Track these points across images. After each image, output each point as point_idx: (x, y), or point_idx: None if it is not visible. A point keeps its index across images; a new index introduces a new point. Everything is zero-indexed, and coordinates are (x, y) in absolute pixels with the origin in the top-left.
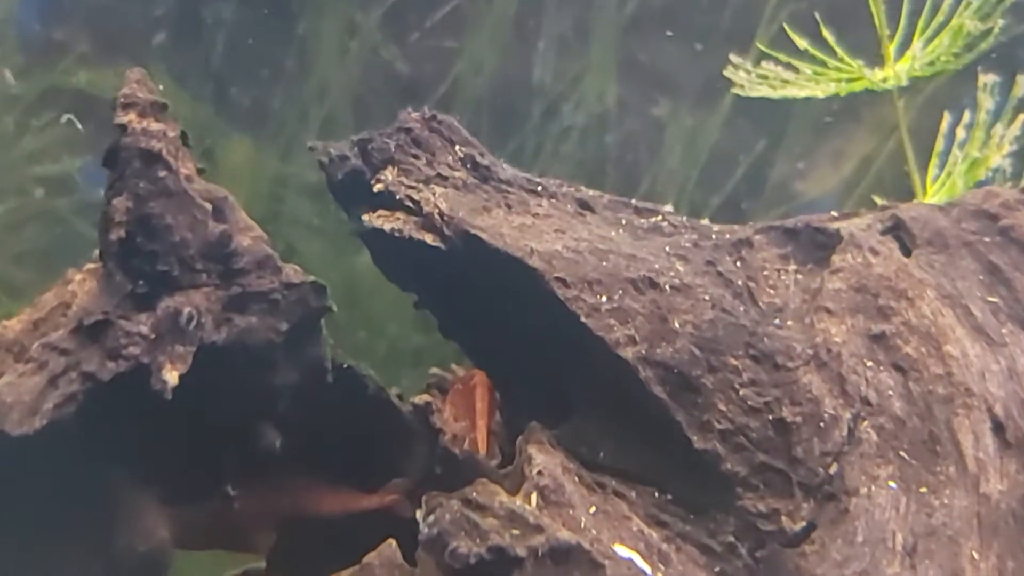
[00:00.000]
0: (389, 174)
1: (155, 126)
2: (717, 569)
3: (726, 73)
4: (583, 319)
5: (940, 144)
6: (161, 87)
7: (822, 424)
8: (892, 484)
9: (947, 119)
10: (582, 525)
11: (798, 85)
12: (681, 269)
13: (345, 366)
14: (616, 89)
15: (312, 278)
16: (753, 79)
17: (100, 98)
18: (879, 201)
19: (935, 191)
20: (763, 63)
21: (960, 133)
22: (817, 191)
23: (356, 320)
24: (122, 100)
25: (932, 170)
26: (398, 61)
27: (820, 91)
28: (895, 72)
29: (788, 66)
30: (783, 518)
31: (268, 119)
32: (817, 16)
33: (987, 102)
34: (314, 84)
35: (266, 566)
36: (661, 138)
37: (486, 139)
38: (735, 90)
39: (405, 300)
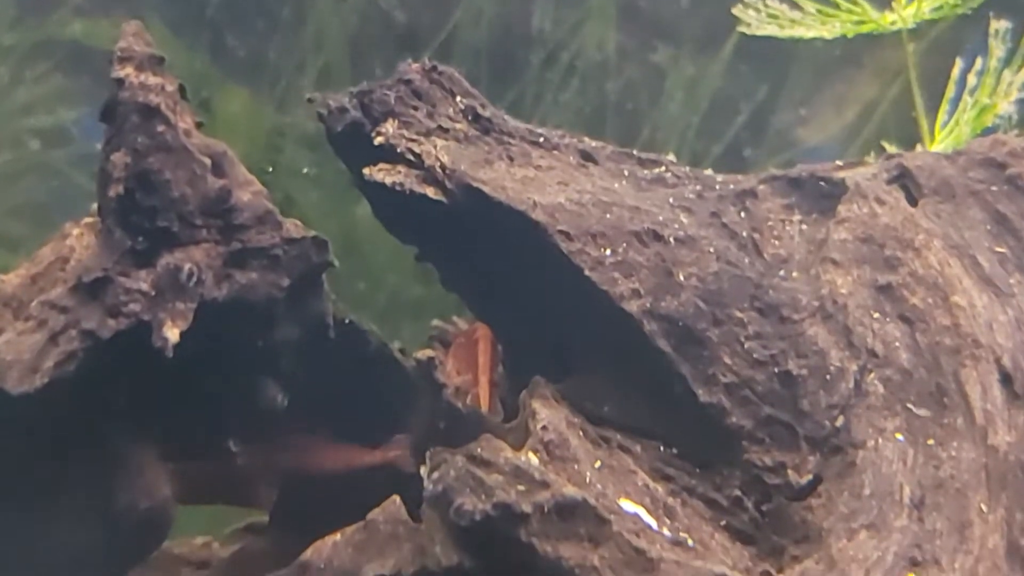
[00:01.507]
0: (389, 126)
1: (153, 80)
2: (723, 523)
3: (735, 11)
4: (587, 272)
5: (951, 90)
6: (156, 37)
7: (828, 376)
8: (899, 436)
9: (959, 64)
10: (587, 480)
11: (805, 25)
12: (685, 221)
13: (347, 321)
14: (616, 36)
15: (313, 233)
16: (762, 17)
17: (95, 49)
18: (888, 147)
19: (943, 137)
20: (770, 2)
21: (969, 79)
22: (820, 137)
23: (356, 271)
24: (119, 54)
25: (941, 116)
26: (396, 9)
27: (827, 32)
28: (902, 15)
29: (795, 6)
30: (789, 471)
31: (265, 69)
32: None
33: (998, 49)
34: (311, 33)
35: (269, 521)
36: (661, 85)
37: (485, 88)
38: (741, 28)
39: (405, 250)
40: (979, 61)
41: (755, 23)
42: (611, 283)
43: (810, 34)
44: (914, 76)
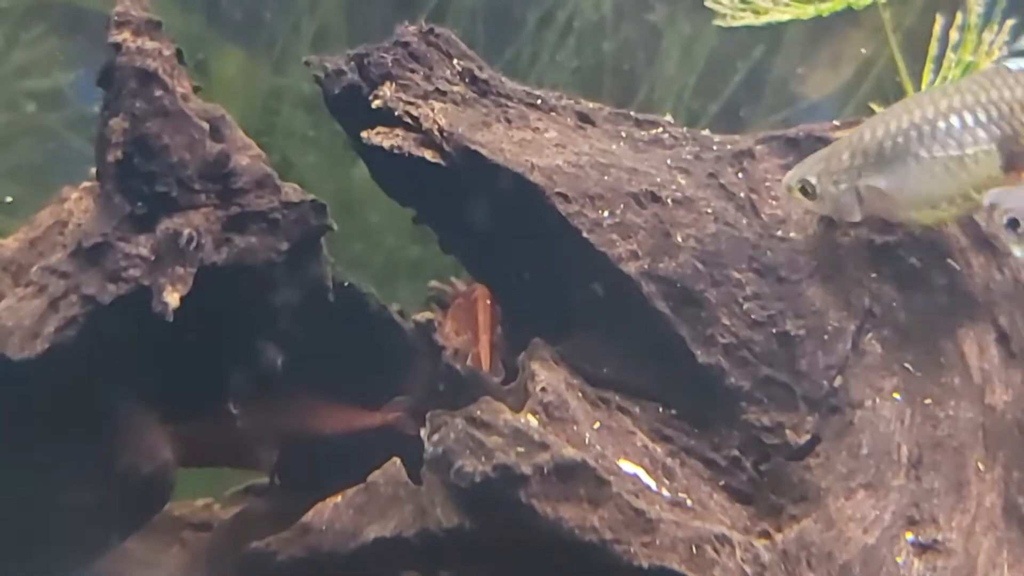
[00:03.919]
0: (387, 89)
1: (150, 45)
2: (722, 483)
3: (708, 4)
4: (585, 234)
5: (934, 47)
6: None
7: (826, 337)
8: (897, 396)
9: (939, 23)
10: (587, 441)
11: (779, 10)
12: (683, 182)
13: (346, 284)
14: None
15: (312, 196)
16: (735, 6)
17: (90, 10)
18: (876, 108)
19: None
20: None
21: (953, 35)
22: (816, 95)
23: (353, 231)
24: (116, 18)
25: (927, 75)
26: None
27: (802, 13)
28: None
29: None
30: (787, 431)
31: (260, 30)
32: None
33: (977, 4)
34: None
35: (269, 483)
36: (658, 45)
37: (481, 49)
38: (717, 21)
39: (402, 211)
40: (959, 16)
41: (730, 14)
42: (609, 245)
43: (785, 17)
44: (895, 43)
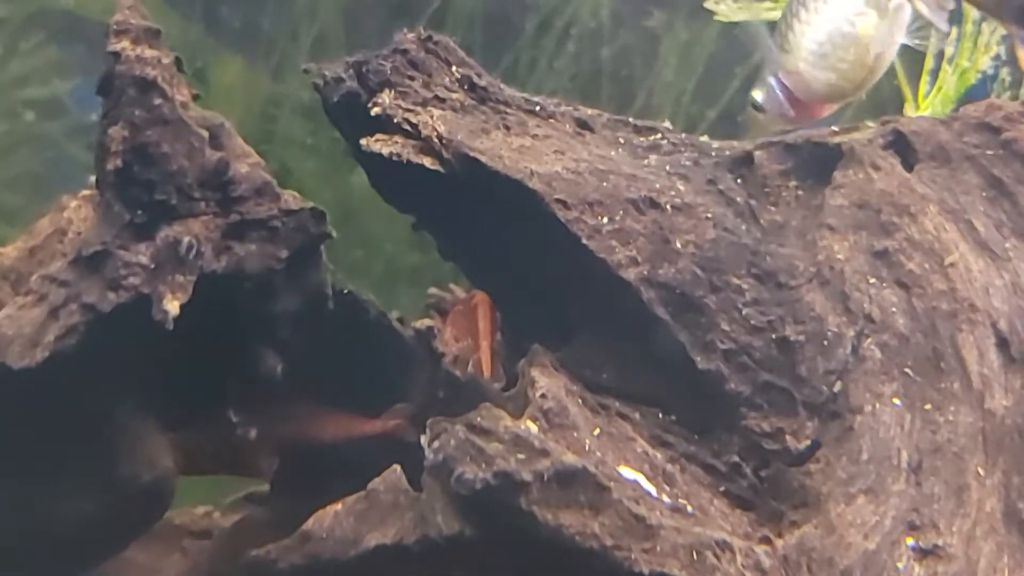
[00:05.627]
0: (386, 97)
1: (149, 53)
2: (722, 489)
3: (707, 6)
4: (584, 241)
5: (929, 62)
6: (150, 7)
7: (825, 342)
8: (896, 401)
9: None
10: (587, 448)
11: (778, 9)
12: (682, 188)
13: (346, 291)
14: (609, 1)
15: (311, 204)
16: (732, 7)
17: (89, 19)
18: (870, 125)
19: (927, 104)
20: None
21: (948, 50)
22: None
23: (352, 238)
24: (115, 27)
25: (923, 87)
26: None
27: None
28: None
29: None
30: (787, 437)
31: (259, 38)
32: None
33: (973, 12)
34: (305, 1)
35: (269, 490)
36: (656, 51)
37: (479, 55)
38: (719, 17)
39: (402, 218)
40: (953, 31)
41: (729, 12)
42: (608, 251)
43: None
44: None
